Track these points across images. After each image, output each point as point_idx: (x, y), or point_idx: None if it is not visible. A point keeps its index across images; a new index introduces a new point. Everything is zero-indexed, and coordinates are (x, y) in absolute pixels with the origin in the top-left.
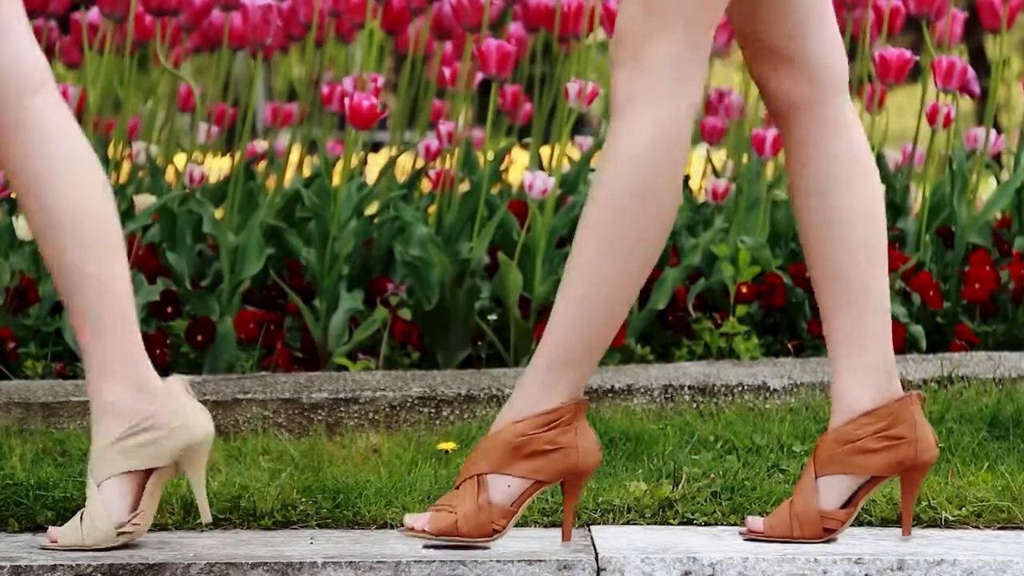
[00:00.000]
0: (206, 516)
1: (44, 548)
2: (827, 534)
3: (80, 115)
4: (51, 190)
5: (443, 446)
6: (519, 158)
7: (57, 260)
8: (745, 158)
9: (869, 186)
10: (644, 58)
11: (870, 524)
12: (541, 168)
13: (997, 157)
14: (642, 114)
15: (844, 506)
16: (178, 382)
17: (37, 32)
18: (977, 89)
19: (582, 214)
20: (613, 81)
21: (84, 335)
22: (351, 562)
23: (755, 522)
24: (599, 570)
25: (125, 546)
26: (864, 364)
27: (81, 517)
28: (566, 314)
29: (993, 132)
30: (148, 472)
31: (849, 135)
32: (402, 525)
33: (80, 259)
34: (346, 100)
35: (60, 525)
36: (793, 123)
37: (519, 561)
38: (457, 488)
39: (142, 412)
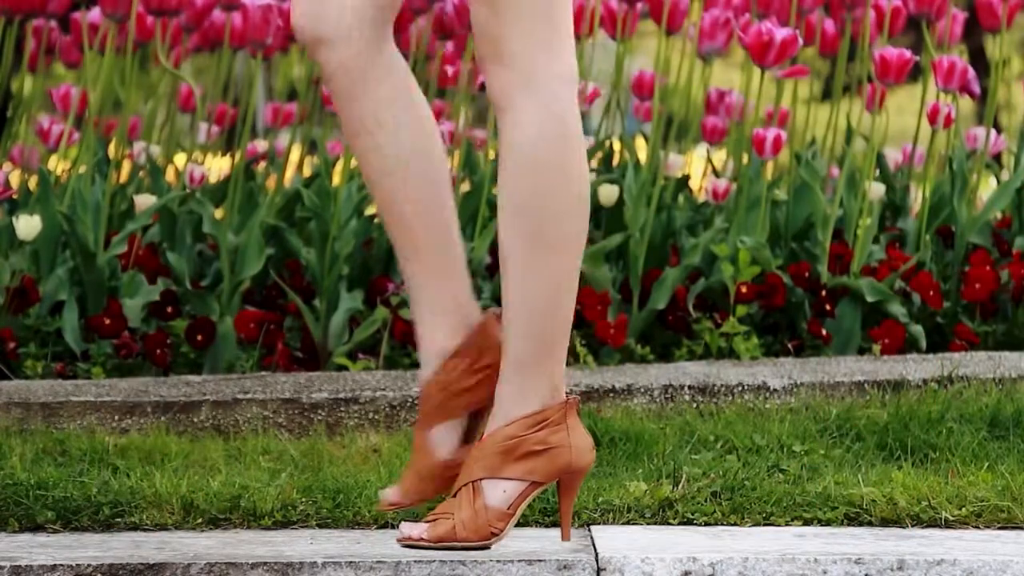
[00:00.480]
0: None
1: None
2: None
3: (81, 115)
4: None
5: None
6: None
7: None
8: (745, 158)
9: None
10: (504, 55)
11: (870, 524)
12: None
13: (997, 157)
14: (522, 106)
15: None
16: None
17: (37, 32)
18: (977, 89)
19: (498, 217)
20: (486, 81)
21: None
22: (351, 562)
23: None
24: (599, 570)
25: (125, 546)
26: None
27: None
28: (514, 316)
29: (993, 132)
30: None
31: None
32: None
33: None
34: None
35: (60, 525)
36: None
37: (519, 561)
38: (454, 496)
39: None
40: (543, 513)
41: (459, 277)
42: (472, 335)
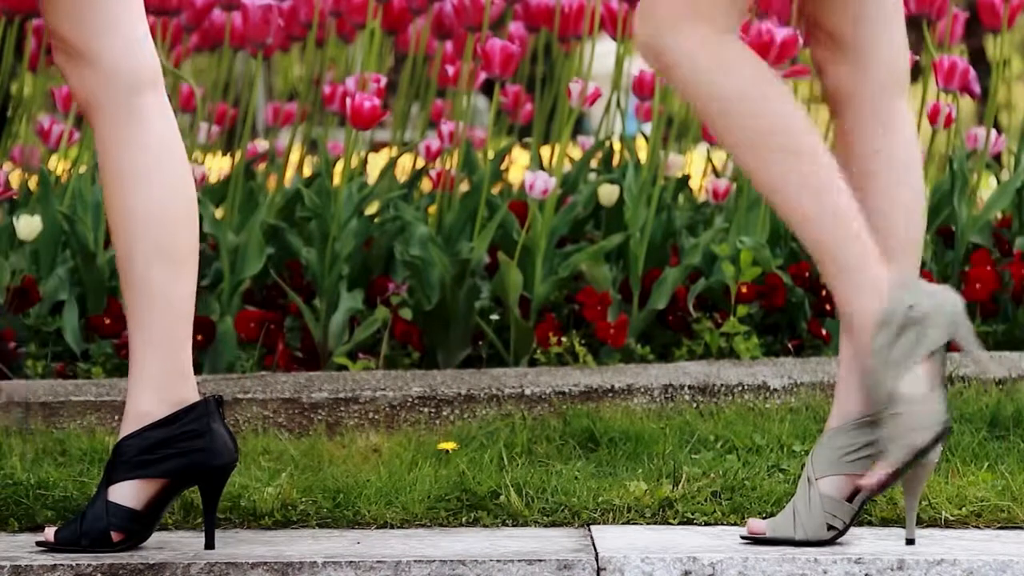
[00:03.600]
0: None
1: None
2: None
3: (81, 115)
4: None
5: (443, 446)
6: (519, 158)
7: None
8: None
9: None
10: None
11: (870, 524)
12: (542, 168)
13: (997, 157)
14: None
15: None
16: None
17: (38, 31)
18: (978, 89)
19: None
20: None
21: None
22: (351, 562)
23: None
24: (599, 570)
25: (126, 546)
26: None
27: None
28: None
29: (994, 132)
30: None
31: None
32: (402, 526)
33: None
34: (347, 100)
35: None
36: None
37: (519, 561)
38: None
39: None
40: (543, 513)
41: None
42: None
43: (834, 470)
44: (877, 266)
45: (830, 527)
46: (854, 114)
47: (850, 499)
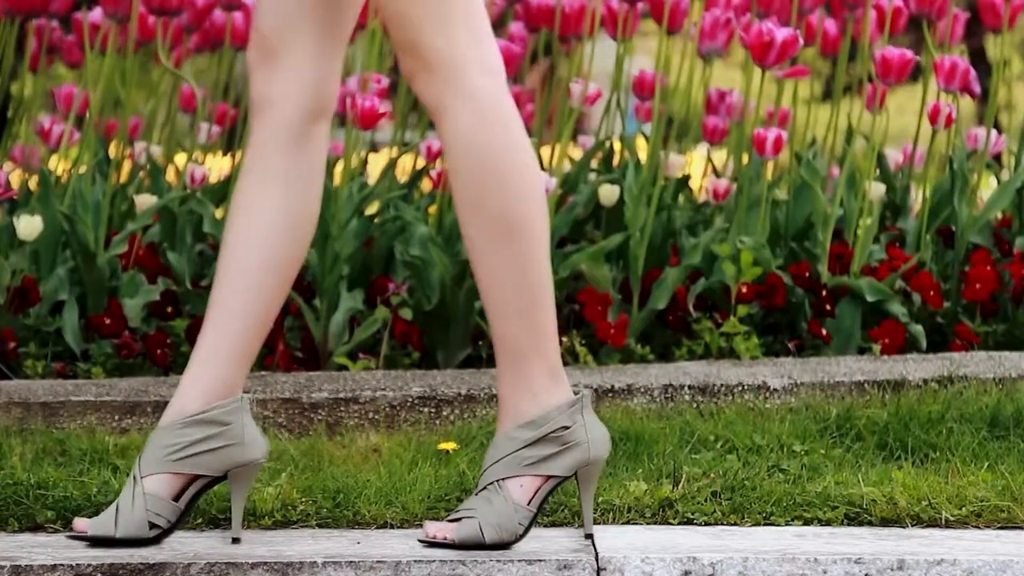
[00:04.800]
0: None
1: None
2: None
3: (82, 115)
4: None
5: (443, 446)
6: None
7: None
8: (745, 158)
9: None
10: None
11: (870, 524)
12: (541, 168)
13: (998, 157)
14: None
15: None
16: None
17: (39, 31)
18: (978, 89)
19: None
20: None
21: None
22: (351, 562)
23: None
24: (599, 570)
25: (126, 546)
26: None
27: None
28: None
29: (994, 132)
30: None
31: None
32: (402, 526)
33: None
34: (354, 101)
35: (60, 525)
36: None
37: (519, 561)
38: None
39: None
40: (543, 513)
41: None
42: None
43: (160, 468)
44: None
45: (153, 525)
46: (275, 126)
47: (176, 498)
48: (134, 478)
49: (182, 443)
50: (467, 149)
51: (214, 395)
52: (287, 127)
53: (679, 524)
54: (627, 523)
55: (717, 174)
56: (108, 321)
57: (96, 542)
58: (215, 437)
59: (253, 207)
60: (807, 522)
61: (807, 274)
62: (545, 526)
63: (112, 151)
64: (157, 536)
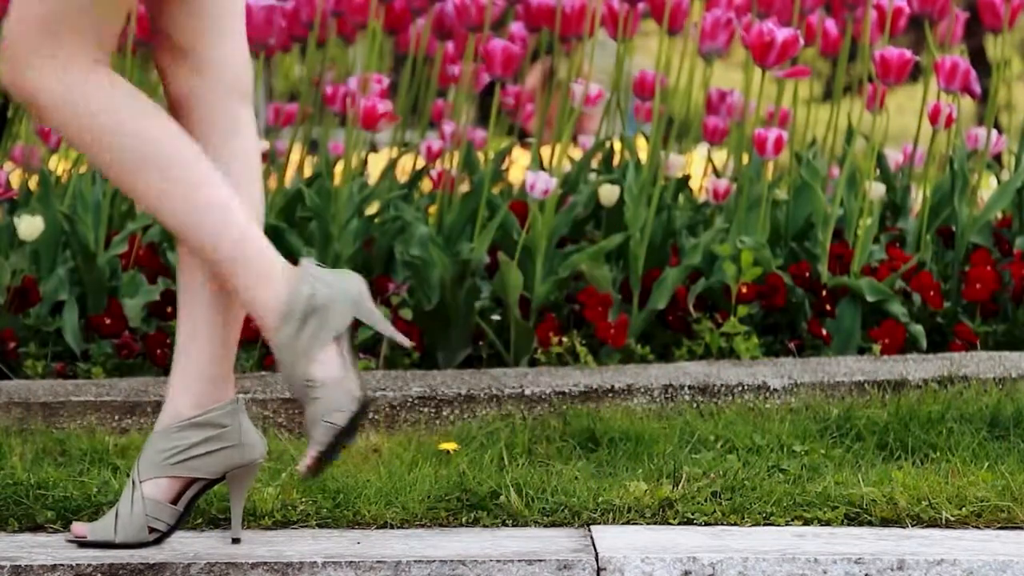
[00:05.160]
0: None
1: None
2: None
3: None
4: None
5: (443, 446)
6: (519, 158)
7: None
8: (746, 158)
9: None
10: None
11: (870, 524)
12: (542, 168)
13: (998, 157)
14: None
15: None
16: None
17: None
18: (978, 89)
19: None
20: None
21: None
22: (351, 562)
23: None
24: (599, 570)
25: (125, 546)
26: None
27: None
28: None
29: (994, 132)
30: (192, 480)
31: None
32: (402, 526)
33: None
34: (356, 102)
35: (60, 525)
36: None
37: (519, 561)
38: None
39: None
40: (543, 513)
41: None
42: None
43: (158, 472)
44: (273, 257)
45: (152, 529)
46: (199, 120)
47: (174, 501)
48: (133, 483)
49: (180, 447)
50: None
51: (207, 397)
52: None
53: (679, 524)
54: (627, 523)
55: (717, 174)
56: (108, 321)
57: (95, 547)
58: (213, 440)
59: None
60: (807, 522)
61: (807, 274)
62: (545, 526)
63: None
64: (157, 539)
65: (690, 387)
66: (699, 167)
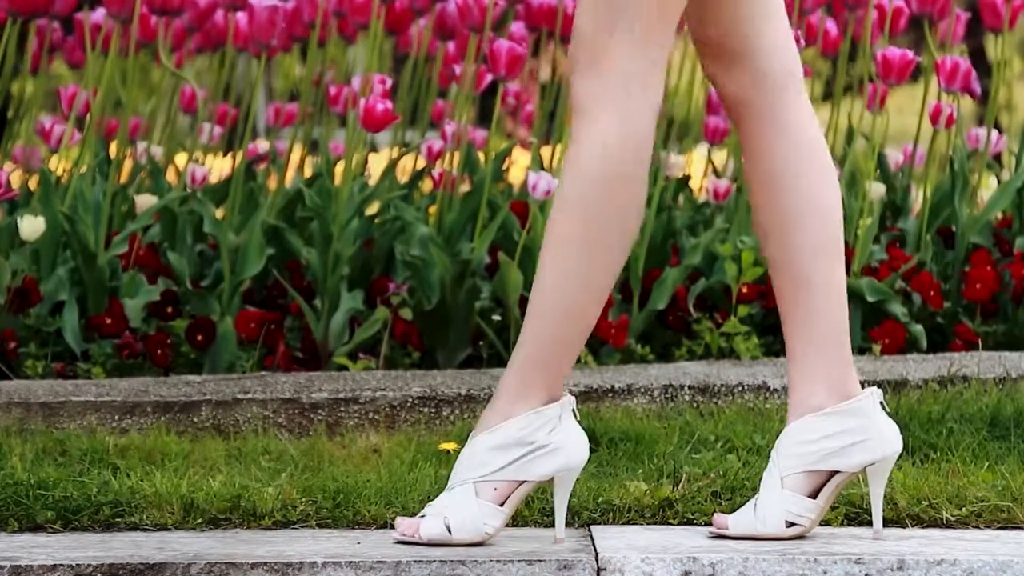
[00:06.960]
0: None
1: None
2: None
3: (83, 115)
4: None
5: (443, 446)
6: (519, 158)
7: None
8: None
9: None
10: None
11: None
12: (542, 168)
13: (998, 157)
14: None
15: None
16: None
17: (40, 32)
18: (978, 89)
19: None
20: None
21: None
22: (351, 562)
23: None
24: (599, 570)
25: (125, 546)
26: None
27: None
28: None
29: (994, 132)
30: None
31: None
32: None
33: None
34: (360, 102)
35: (60, 525)
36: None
37: (519, 561)
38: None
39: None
40: (543, 513)
41: None
42: None
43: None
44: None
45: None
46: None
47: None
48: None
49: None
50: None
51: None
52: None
53: (679, 524)
54: (627, 523)
55: (717, 174)
56: (108, 321)
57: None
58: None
59: None
60: None
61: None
62: (545, 526)
63: (113, 151)
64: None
65: (690, 387)
66: (699, 167)
